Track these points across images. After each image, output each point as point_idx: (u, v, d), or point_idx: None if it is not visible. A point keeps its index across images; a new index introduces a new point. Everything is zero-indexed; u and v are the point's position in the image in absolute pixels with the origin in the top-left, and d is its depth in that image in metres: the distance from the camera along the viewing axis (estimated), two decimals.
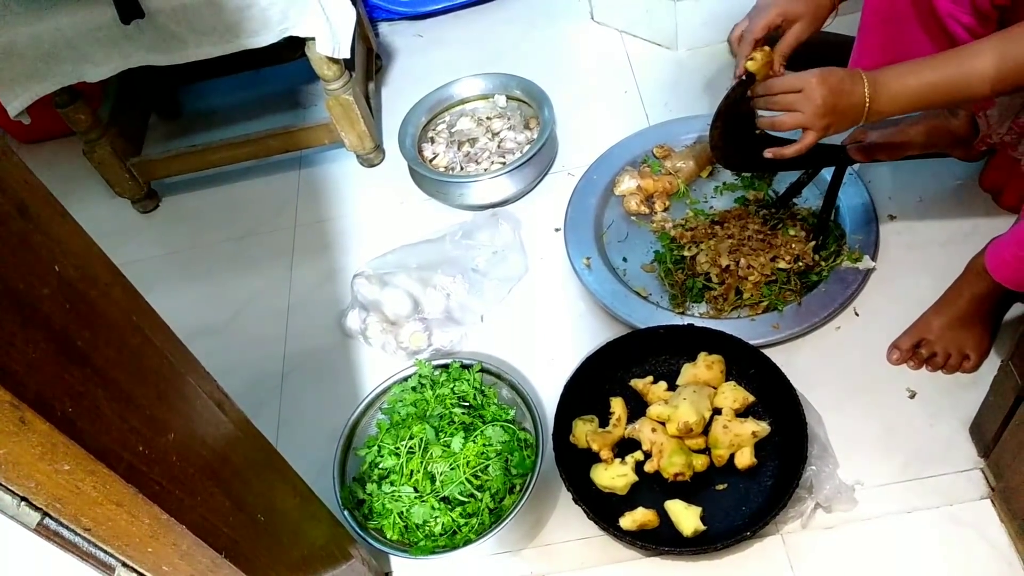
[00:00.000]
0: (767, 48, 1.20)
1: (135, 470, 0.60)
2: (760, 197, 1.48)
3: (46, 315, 0.56)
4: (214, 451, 0.73)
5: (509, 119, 1.70)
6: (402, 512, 1.07)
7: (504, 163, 1.61)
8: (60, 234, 0.61)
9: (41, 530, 0.57)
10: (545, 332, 1.39)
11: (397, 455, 1.12)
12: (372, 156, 1.73)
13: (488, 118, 1.71)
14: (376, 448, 1.15)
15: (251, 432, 0.81)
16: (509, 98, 1.73)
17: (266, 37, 1.47)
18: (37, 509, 0.56)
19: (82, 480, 0.57)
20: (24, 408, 0.52)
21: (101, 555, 0.62)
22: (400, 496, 1.08)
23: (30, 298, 0.55)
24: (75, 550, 0.60)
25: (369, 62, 1.85)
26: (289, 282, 1.57)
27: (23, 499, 0.55)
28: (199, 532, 0.67)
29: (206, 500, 0.70)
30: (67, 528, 0.58)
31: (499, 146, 1.65)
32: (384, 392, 1.24)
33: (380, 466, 1.13)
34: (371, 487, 1.11)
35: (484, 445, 1.11)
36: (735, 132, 1.30)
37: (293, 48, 1.54)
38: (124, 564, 0.64)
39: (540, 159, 1.60)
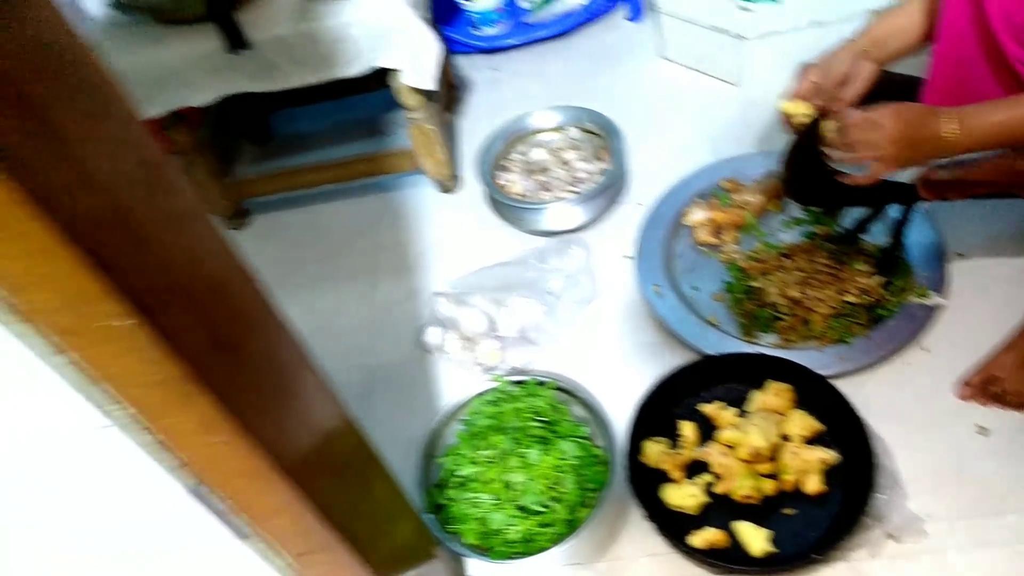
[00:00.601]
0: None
1: (273, 448, 0.66)
2: (828, 232, 1.51)
3: (204, 307, 0.63)
4: (328, 440, 0.79)
5: (581, 150, 1.76)
6: (481, 518, 1.12)
7: (576, 192, 1.67)
8: (209, 236, 0.69)
9: (195, 493, 0.63)
10: (615, 355, 1.43)
11: (476, 464, 1.17)
12: (450, 183, 1.81)
13: (561, 149, 1.77)
14: (456, 457, 1.20)
15: (355, 428, 0.87)
16: (581, 130, 1.80)
17: (357, 68, 1.57)
18: (194, 475, 0.63)
19: (231, 453, 0.63)
20: (191, 384, 0.58)
21: (237, 522, 0.68)
22: (479, 502, 1.13)
23: (190, 291, 0.62)
24: (219, 514, 0.66)
25: (448, 93, 1.94)
26: (371, 299, 1.64)
27: (183, 463, 0.62)
28: (317, 512, 0.73)
29: (322, 484, 0.76)
30: (213, 494, 0.65)
31: (571, 175, 1.71)
32: (463, 405, 1.29)
33: (459, 474, 1.18)
34: (451, 492, 1.16)
35: (559, 458, 1.15)
36: (805, 167, 1.34)
37: (379, 78, 1.63)
38: (255, 533, 0.70)
39: (611, 189, 1.66)
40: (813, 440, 1.23)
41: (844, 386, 1.24)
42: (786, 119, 1.30)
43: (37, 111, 0.50)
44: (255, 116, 2.05)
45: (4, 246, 0.48)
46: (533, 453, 1.15)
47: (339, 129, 2.05)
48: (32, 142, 0.49)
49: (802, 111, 1.29)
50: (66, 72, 0.54)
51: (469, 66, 2.14)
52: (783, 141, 1.43)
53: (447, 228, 1.75)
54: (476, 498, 1.13)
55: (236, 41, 1.44)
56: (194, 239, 0.64)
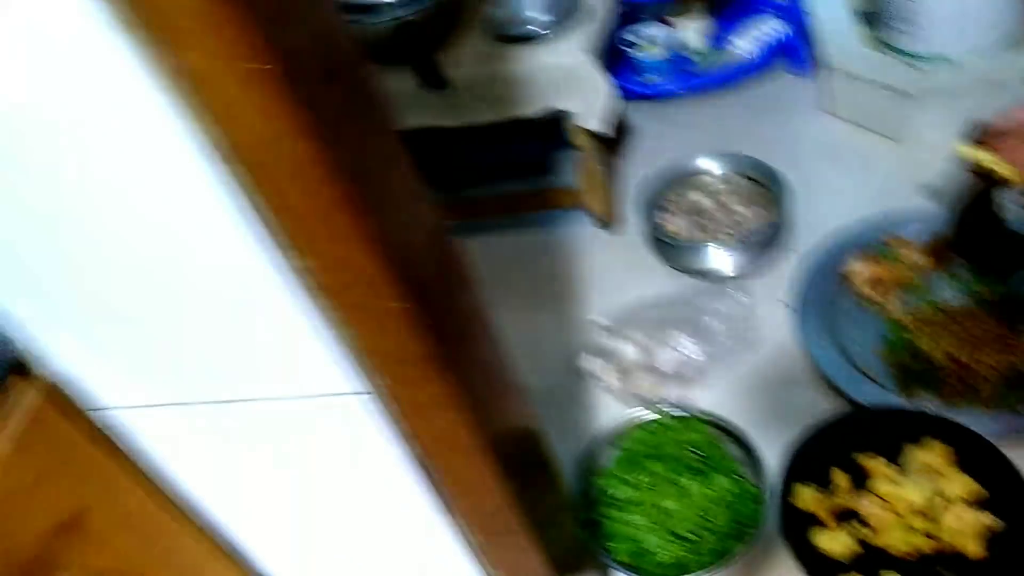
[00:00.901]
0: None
1: (483, 431, 0.75)
2: (997, 296, 1.48)
3: (449, 302, 0.73)
4: (520, 436, 0.88)
5: (743, 196, 1.81)
6: (634, 538, 1.17)
7: (735, 236, 1.71)
8: (451, 243, 0.80)
9: (420, 461, 0.73)
10: (769, 399, 1.46)
11: (631, 487, 1.23)
12: (610, 220, 1.89)
13: (722, 193, 1.83)
14: (611, 478, 1.26)
15: (540, 431, 0.95)
16: (743, 177, 1.85)
17: (536, 108, 1.69)
18: (421, 445, 0.73)
19: (452, 429, 0.73)
20: (435, 364, 0.68)
21: (447, 494, 0.77)
22: (633, 523, 1.18)
23: (444, 287, 0.72)
24: (435, 485, 0.75)
25: (615, 136, 2.03)
26: (527, 326, 1.72)
27: (415, 434, 0.72)
28: (508, 496, 0.81)
29: (513, 473, 0.84)
30: (433, 464, 0.74)
31: (732, 220, 1.76)
32: (619, 430, 1.35)
33: (613, 494, 1.24)
34: (605, 511, 1.22)
35: (713, 491, 1.19)
36: (978, 226, 1.33)
37: (550, 118, 1.73)
38: (458, 507, 0.79)
39: (771, 236, 1.70)
40: (974, 504, 1.20)
41: (1011, 454, 1.21)
42: (966, 166, 1.30)
43: (334, 113, 0.60)
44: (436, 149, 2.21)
45: (320, 229, 0.59)
46: (688, 482, 1.19)
47: (506, 165, 2.16)
48: (343, 141, 0.59)
49: (983, 159, 1.28)
50: (346, 74, 0.64)
51: (635, 111, 2.22)
52: (951, 199, 1.42)
53: (605, 263, 1.83)
54: (630, 519, 1.19)
55: (436, 81, 1.59)
56: (442, 243, 0.74)
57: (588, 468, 1.30)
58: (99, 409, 0.76)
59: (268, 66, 0.49)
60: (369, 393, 0.69)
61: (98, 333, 0.70)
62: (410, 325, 0.65)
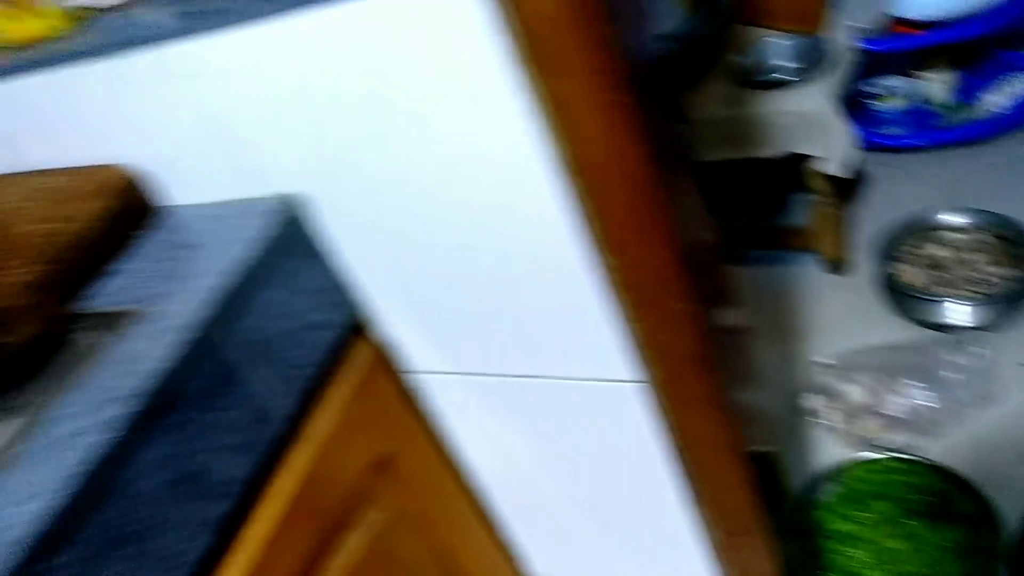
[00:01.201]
0: None
1: (736, 433, 0.83)
2: None
3: (715, 311, 0.82)
4: (760, 447, 0.94)
5: (987, 253, 1.74)
6: (855, 572, 1.18)
7: (978, 292, 1.66)
8: (720, 264, 0.88)
9: (679, 454, 0.82)
10: (1004, 459, 1.40)
11: (853, 523, 1.24)
12: (843, 265, 1.89)
13: (965, 248, 1.77)
14: (832, 513, 1.28)
15: (774, 452, 1.01)
16: (990, 233, 1.78)
17: (774, 150, 1.74)
18: (679, 438, 0.82)
19: (709, 426, 0.81)
20: (705, 363, 0.77)
21: (698, 488, 0.86)
22: (854, 558, 1.19)
23: (722, 295, 0.81)
24: (688, 477, 0.84)
25: (851, 182, 2.03)
26: (767, 360, 1.76)
27: (675, 427, 0.81)
28: (752, 499, 0.88)
29: (755, 480, 0.91)
30: (688, 458, 0.83)
31: (973, 276, 1.70)
32: (842, 467, 1.37)
33: (834, 528, 1.25)
34: (824, 543, 1.24)
35: (944, 538, 1.18)
36: None
37: (792, 160, 1.77)
38: (706, 502, 0.87)
39: (1017, 294, 1.63)
40: None
41: None
42: None
43: (658, 136, 0.71)
44: None
45: (632, 234, 0.70)
46: (916, 526, 1.19)
47: (742, 202, 2.20)
48: (661, 162, 0.71)
49: None
50: (663, 104, 0.75)
51: (871, 161, 2.19)
52: None
53: (833, 307, 1.83)
54: (850, 553, 1.20)
55: (680, 119, 1.68)
56: (717, 258, 0.84)
57: (807, 500, 1.33)
58: (411, 372, 0.93)
59: (624, 97, 0.61)
60: (643, 383, 0.80)
61: (426, 306, 0.85)
62: (689, 325, 0.74)
